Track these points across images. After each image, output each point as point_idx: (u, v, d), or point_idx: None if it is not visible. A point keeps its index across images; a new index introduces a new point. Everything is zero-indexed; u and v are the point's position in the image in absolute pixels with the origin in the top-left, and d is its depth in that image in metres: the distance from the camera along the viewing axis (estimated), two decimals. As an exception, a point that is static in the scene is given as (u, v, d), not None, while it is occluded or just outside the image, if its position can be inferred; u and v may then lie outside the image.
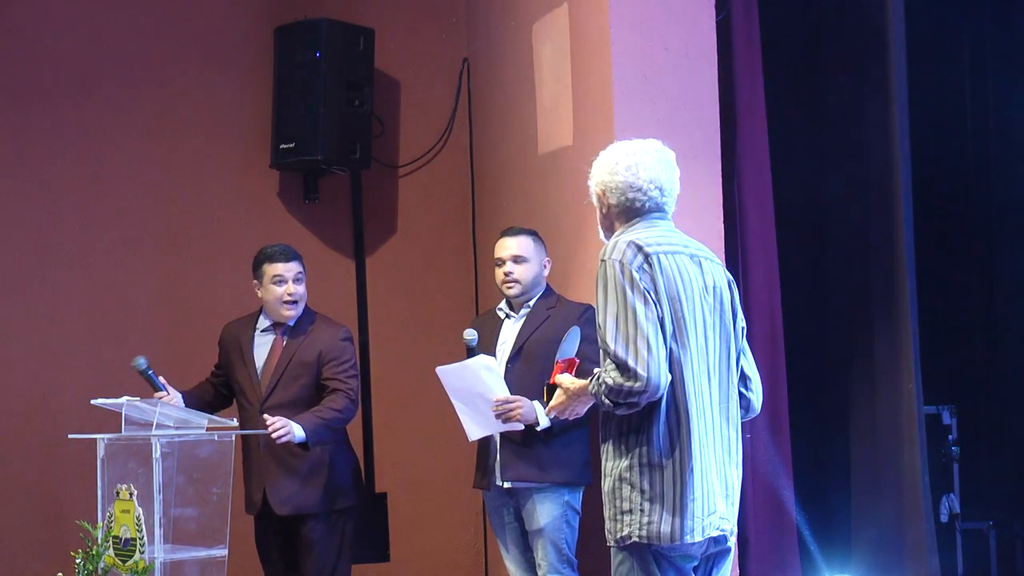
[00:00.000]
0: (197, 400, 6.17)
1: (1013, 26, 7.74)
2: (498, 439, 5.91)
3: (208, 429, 5.75)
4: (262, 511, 6.15)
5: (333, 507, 6.14)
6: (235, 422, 5.88)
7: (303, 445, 5.98)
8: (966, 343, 7.88)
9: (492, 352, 5.96)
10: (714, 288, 4.33)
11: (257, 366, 6.18)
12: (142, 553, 5.46)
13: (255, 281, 6.22)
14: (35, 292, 7.26)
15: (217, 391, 6.33)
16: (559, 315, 5.92)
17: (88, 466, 5.84)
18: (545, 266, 6.08)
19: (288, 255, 6.20)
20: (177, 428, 5.68)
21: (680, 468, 4.18)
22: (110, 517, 5.61)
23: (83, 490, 6.18)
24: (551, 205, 6.71)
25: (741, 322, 4.42)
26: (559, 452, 5.86)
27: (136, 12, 7.46)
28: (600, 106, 6.23)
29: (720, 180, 6.25)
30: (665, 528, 4.17)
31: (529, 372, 5.87)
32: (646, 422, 4.18)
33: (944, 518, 7.34)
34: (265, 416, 5.95)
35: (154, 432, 5.55)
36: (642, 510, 4.19)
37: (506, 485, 5.89)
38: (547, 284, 6.11)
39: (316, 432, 5.98)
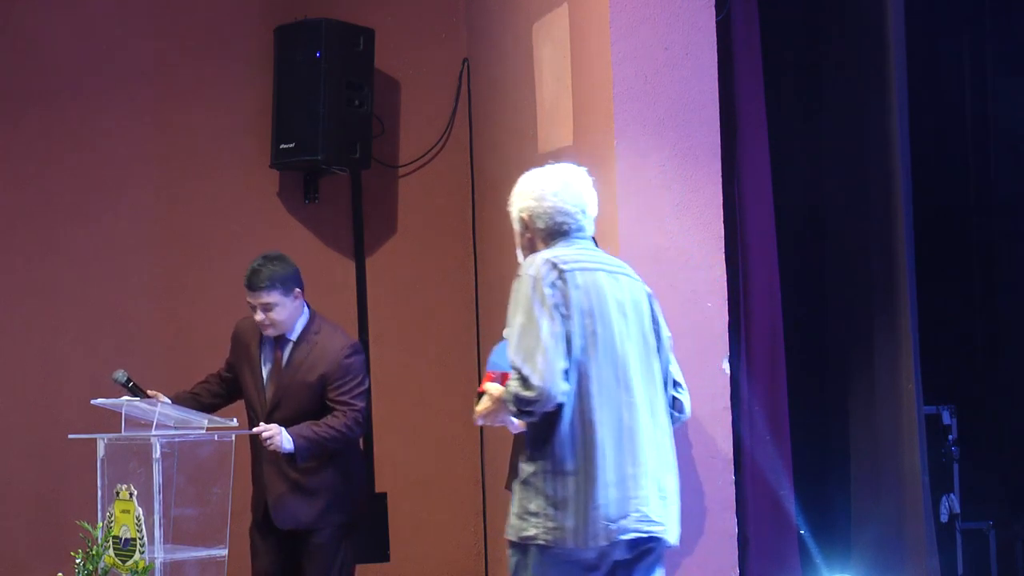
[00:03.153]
0: (195, 404, 6.12)
1: (1013, 26, 7.73)
2: None
3: (208, 429, 5.75)
4: (265, 516, 6.12)
5: (338, 522, 6.08)
6: (235, 422, 5.87)
7: (291, 457, 5.92)
8: (966, 343, 7.87)
9: None
10: (633, 303, 4.52)
11: (263, 377, 6.10)
12: (142, 553, 5.47)
13: None
14: (35, 292, 7.27)
15: (221, 390, 6.26)
16: None
17: (88, 466, 5.84)
18: None
19: (253, 284, 5.97)
20: (177, 428, 5.68)
21: (585, 476, 4.33)
22: (110, 517, 5.61)
23: (83, 490, 6.19)
24: (551, 205, 6.70)
25: (666, 332, 4.64)
26: None
27: (136, 12, 7.46)
28: (600, 106, 6.23)
29: (720, 180, 6.25)
30: (569, 534, 4.33)
31: None
32: (553, 431, 4.35)
33: (944, 518, 7.34)
34: (261, 424, 5.92)
35: (154, 432, 5.55)
36: (547, 515, 4.35)
37: None
38: None
39: (307, 449, 5.88)
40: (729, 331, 6.23)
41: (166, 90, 7.47)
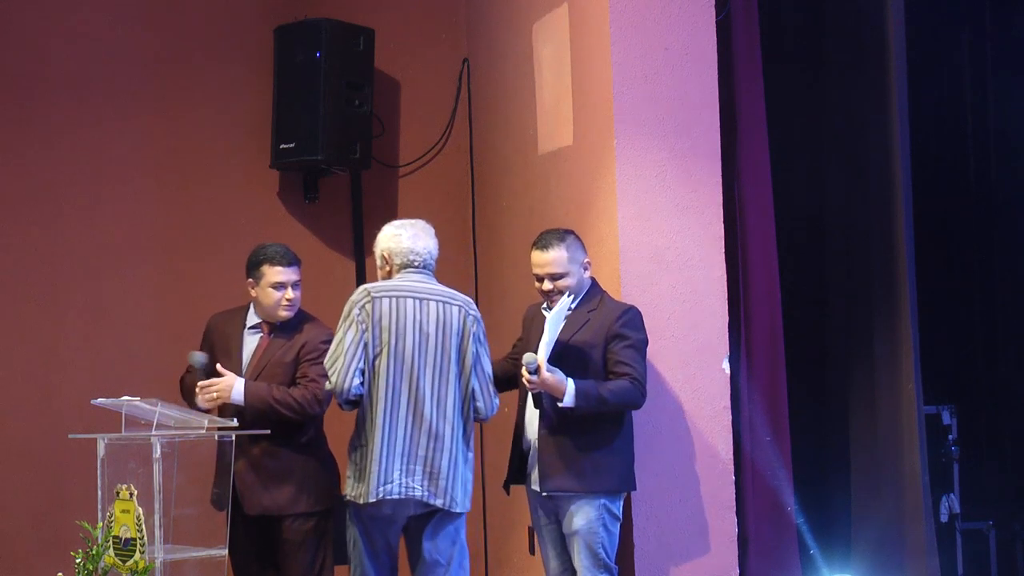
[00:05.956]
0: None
1: (1013, 26, 7.74)
2: (536, 443, 5.82)
3: (208, 429, 5.75)
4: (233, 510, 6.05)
5: (307, 509, 6.03)
6: (235, 422, 5.86)
7: (259, 424, 5.89)
8: (966, 343, 7.88)
9: (535, 351, 5.79)
10: (438, 323, 5.69)
11: (244, 363, 6.09)
12: (142, 553, 5.47)
13: (250, 280, 6.10)
14: (35, 292, 7.26)
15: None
16: (597, 320, 5.80)
17: (88, 466, 5.84)
18: (586, 267, 5.88)
19: (289, 259, 6.09)
20: (177, 428, 5.69)
21: (368, 449, 5.65)
22: (110, 517, 5.61)
23: (83, 490, 6.18)
24: (551, 205, 6.71)
25: (473, 347, 5.72)
26: (600, 460, 5.77)
27: (136, 12, 7.46)
28: (600, 106, 6.23)
29: (720, 180, 6.26)
30: (357, 492, 5.66)
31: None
32: (358, 415, 5.72)
33: (944, 518, 7.34)
34: (199, 383, 5.92)
35: (154, 432, 5.55)
36: (351, 477, 5.71)
37: (544, 494, 5.82)
38: (592, 280, 5.93)
39: (258, 398, 5.89)
40: (729, 331, 6.24)
41: (166, 90, 7.46)
